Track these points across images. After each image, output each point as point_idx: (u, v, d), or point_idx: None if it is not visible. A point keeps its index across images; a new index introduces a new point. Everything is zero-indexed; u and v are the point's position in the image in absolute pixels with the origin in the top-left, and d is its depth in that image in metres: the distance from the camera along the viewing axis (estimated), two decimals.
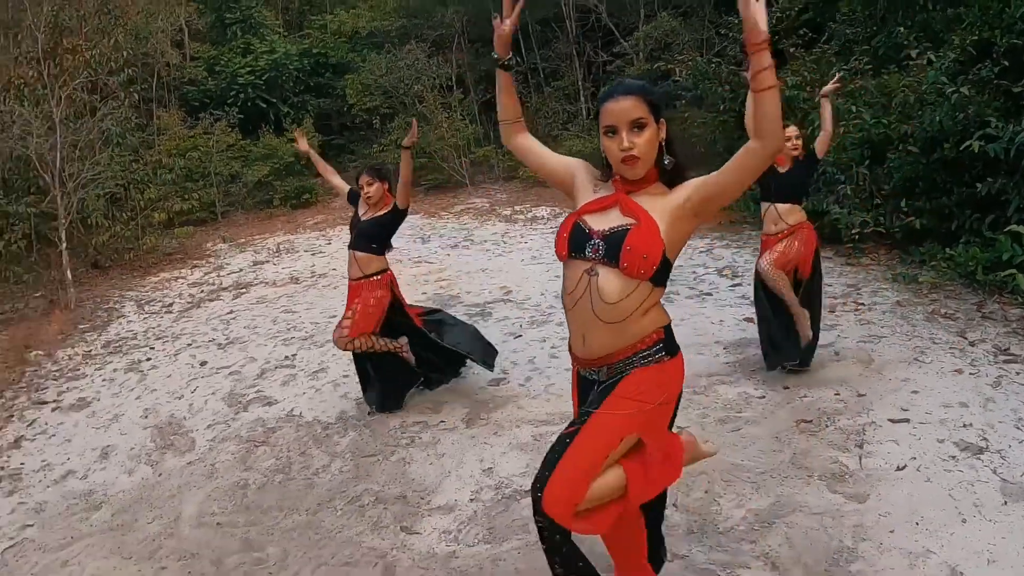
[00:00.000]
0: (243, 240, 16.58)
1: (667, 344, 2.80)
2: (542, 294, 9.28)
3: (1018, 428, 4.80)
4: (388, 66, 21.02)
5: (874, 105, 10.03)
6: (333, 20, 25.85)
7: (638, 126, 2.63)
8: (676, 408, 2.92)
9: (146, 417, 6.86)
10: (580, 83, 20.90)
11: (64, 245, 12.44)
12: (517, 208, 16.20)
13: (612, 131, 2.66)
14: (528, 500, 4.32)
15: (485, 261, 11.74)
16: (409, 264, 11.98)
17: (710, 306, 8.08)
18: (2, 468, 6.19)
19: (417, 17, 23.07)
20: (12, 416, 7.39)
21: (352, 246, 6.03)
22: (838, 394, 5.58)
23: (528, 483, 4.53)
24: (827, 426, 5.10)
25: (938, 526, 3.86)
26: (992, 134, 7.83)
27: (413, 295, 9.78)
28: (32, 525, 5.13)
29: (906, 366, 5.98)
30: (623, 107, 2.63)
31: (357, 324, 5.90)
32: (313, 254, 14.17)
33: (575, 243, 2.75)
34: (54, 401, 7.72)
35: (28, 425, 7.14)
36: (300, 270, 12.82)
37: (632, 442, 2.75)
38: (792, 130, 6.05)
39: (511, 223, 14.92)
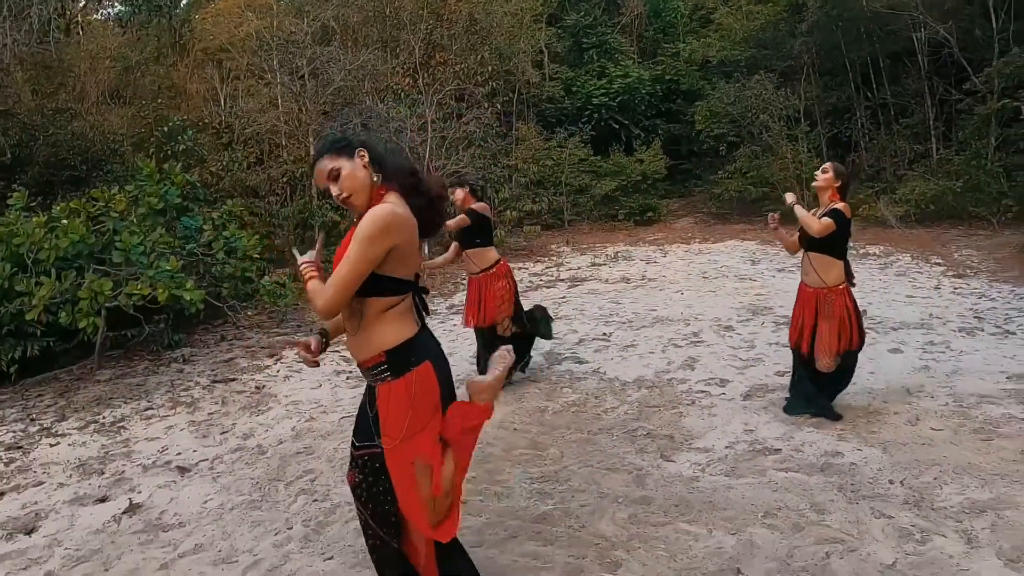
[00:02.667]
0: (585, 246, 17.98)
1: (392, 365, 2.98)
2: None
3: None
4: (736, 95, 21.40)
5: None
6: (685, 48, 26.39)
7: (334, 177, 2.98)
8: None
9: (476, 357, 8.15)
10: (931, 123, 20.01)
11: None
12: (851, 244, 16.08)
13: (326, 191, 3.04)
14: (772, 455, 5.22)
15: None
16: (734, 279, 12.72)
17: (1011, 343, 8.05)
18: (351, 372, 8.04)
19: (767, 48, 23.13)
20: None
21: (463, 246, 7.04)
22: None
23: (781, 445, 5.40)
24: None
25: None
26: None
27: (730, 302, 10.70)
28: None
29: None
30: (319, 170, 3.03)
31: (495, 310, 6.96)
32: (648, 263, 15.24)
33: None
34: None
35: None
36: (632, 274, 13.97)
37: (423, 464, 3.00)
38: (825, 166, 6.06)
39: None
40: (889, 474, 4.79)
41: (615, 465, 5.09)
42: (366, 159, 3.02)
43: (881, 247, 15.56)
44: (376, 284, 2.91)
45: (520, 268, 14.99)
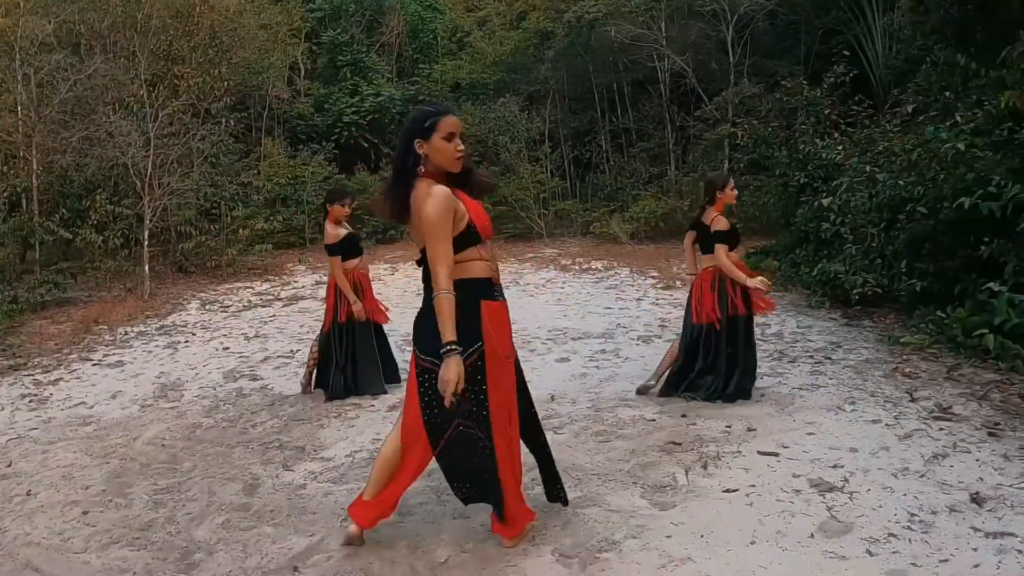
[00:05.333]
0: (320, 265, 18.05)
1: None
2: (538, 327, 10.29)
3: (894, 476, 4.69)
4: (481, 116, 22.37)
5: (894, 166, 10.01)
6: (438, 70, 27.22)
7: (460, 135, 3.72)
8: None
9: (159, 377, 8.70)
10: (670, 146, 21.57)
11: (147, 244, 14.58)
12: (579, 260, 17.13)
13: (452, 136, 3.66)
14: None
15: (512, 300, 12.71)
16: None
17: (651, 349, 8.77)
18: (36, 395, 8.24)
19: (515, 72, 24.35)
20: (60, 365, 9.48)
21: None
22: (729, 427, 5.73)
23: None
24: (691, 450, 5.28)
25: (721, 542, 3.93)
26: (993, 192, 7.66)
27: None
28: (36, 429, 7.02)
29: (823, 412, 6.00)
30: (457, 121, 3.72)
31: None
32: (374, 280, 15.62)
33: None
34: (98, 361, 9.70)
35: (70, 372, 9.18)
36: None
37: None
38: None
39: (564, 271, 15.91)
40: None
41: (236, 475, 5.46)
42: None
43: (605, 262, 16.52)
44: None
45: (247, 288, 15.25)
